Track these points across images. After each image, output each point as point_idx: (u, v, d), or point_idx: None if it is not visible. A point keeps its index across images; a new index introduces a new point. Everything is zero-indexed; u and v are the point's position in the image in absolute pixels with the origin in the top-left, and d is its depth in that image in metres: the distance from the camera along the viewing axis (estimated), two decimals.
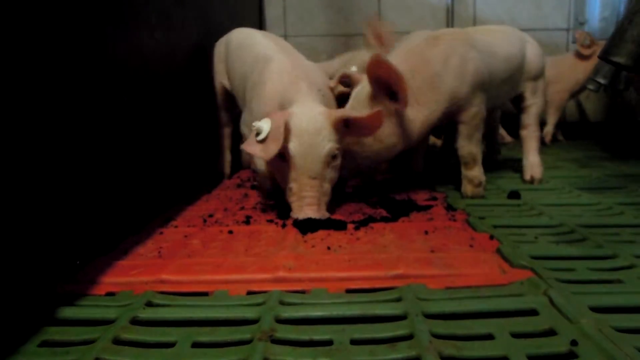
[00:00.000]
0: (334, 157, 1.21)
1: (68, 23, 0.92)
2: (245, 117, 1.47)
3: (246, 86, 1.46)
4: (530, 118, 1.64)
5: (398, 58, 1.32)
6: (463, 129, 1.40)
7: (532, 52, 1.61)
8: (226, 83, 1.72)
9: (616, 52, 1.18)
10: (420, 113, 1.32)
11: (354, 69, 1.53)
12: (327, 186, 1.21)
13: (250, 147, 1.16)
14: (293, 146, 1.16)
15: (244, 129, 1.48)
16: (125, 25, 1.15)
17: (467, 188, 1.43)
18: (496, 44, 1.49)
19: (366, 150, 1.32)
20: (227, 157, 1.84)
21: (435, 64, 1.33)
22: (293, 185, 1.19)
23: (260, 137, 1.14)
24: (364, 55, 1.73)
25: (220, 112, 1.79)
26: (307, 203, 1.17)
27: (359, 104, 1.30)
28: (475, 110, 1.39)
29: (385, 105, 1.26)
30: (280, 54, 1.40)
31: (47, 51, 0.85)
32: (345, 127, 1.23)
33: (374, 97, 1.27)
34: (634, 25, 1.15)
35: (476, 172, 1.43)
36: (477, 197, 1.42)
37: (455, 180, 1.51)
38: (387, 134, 1.30)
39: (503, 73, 1.49)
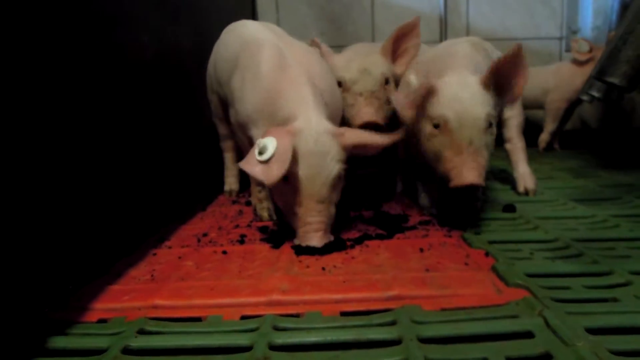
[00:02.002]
0: (339, 178, 1.13)
1: (53, 41, 0.91)
2: (234, 112, 1.32)
3: (232, 73, 1.31)
4: (511, 131, 1.64)
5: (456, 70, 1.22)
6: None
7: None
8: (216, 86, 1.52)
9: (611, 72, 1.19)
10: None
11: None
12: (333, 209, 1.14)
13: (250, 166, 1.05)
14: (300, 169, 1.07)
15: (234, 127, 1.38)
16: (115, 44, 1.15)
17: (470, 205, 1.37)
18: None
19: (490, 148, 1.20)
20: (234, 171, 1.75)
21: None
22: (298, 210, 1.10)
23: (264, 157, 1.04)
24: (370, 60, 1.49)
25: (219, 125, 1.67)
26: (314, 229, 1.09)
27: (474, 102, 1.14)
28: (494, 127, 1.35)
29: (495, 101, 1.18)
30: (275, 38, 1.26)
31: (38, 75, 0.85)
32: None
33: (487, 92, 1.16)
34: (629, 46, 1.15)
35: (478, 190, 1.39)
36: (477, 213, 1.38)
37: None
38: (494, 130, 1.20)
39: None
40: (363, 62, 1.45)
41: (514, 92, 1.15)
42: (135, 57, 1.26)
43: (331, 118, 1.19)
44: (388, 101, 1.43)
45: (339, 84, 1.46)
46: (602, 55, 1.54)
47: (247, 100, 1.22)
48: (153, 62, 1.36)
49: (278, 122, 1.15)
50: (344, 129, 1.16)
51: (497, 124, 1.59)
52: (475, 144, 1.13)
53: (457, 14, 2.95)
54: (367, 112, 1.38)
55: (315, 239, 1.09)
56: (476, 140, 1.13)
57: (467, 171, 1.11)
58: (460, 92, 1.15)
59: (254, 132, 1.21)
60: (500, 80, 1.15)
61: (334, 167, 1.10)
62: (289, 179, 1.09)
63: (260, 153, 1.05)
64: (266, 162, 1.04)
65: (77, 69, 0.98)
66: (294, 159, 1.06)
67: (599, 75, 1.22)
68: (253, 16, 2.89)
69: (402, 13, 2.96)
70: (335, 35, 2.97)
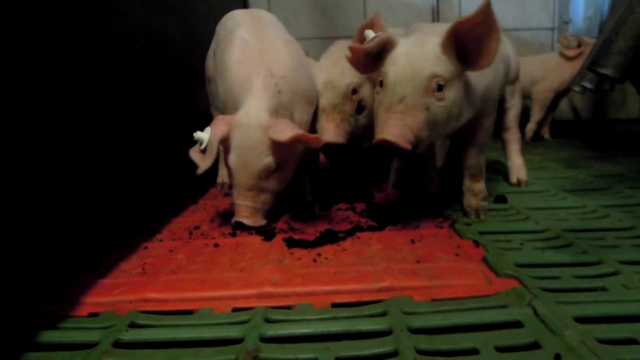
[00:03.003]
0: (275, 169, 1.18)
1: (41, 33, 0.90)
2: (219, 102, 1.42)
3: (215, 62, 1.41)
4: (511, 121, 1.63)
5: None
6: (480, 137, 1.26)
7: (512, 53, 1.53)
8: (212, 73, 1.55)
9: (603, 63, 1.19)
10: (467, 101, 1.14)
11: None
12: (264, 196, 1.21)
13: (192, 154, 1.17)
14: (231, 159, 1.17)
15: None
16: (104, 35, 1.14)
17: (471, 201, 1.30)
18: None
19: (436, 116, 1.06)
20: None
21: None
22: (234, 191, 1.21)
23: (202, 147, 1.16)
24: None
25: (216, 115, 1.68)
26: (239, 210, 1.20)
27: (421, 58, 1.05)
28: (494, 118, 1.28)
29: (454, 66, 1.06)
30: (247, 32, 1.32)
31: (25, 67, 0.84)
32: None
33: (442, 53, 1.05)
34: (621, 37, 1.15)
35: (482, 185, 1.32)
36: (481, 211, 1.29)
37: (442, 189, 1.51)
38: (452, 100, 1.06)
39: (503, 76, 1.37)
40: (329, 73, 1.40)
41: (486, 57, 1.04)
42: (124, 49, 1.25)
43: (289, 105, 1.25)
44: (359, 109, 1.39)
45: None
46: (593, 46, 1.54)
47: (221, 92, 1.33)
48: (142, 53, 1.34)
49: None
50: (277, 123, 1.15)
51: (499, 112, 1.52)
52: (407, 102, 1.02)
53: (449, 4, 2.94)
54: (326, 130, 1.35)
55: (242, 219, 1.20)
56: (409, 98, 1.02)
57: (387, 128, 1.01)
58: (410, 49, 1.07)
59: None
60: (468, 43, 1.04)
61: (260, 160, 1.16)
62: (228, 166, 1.20)
63: (201, 143, 1.16)
64: (203, 151, 1.16)
65: (65, 60, 0.97)
66: (230, 149, 1.17)
67: (592, 66, 1.22)
68: (244, 7, 2.87)
69: (394, 3, 2.95)
70: (328, 26, 2.96)
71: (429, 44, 1.06)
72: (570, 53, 2.54)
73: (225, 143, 1.17)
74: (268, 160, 1.16)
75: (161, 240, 1.19)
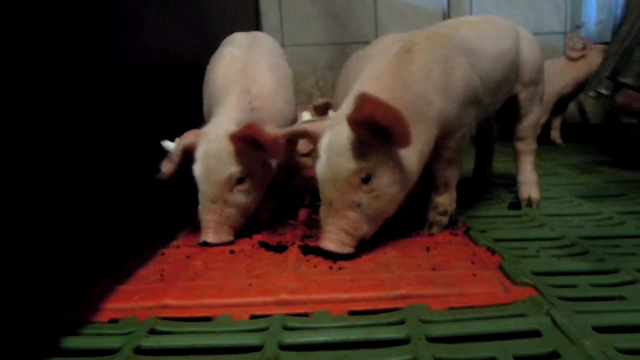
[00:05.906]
0: (239, 181, 1.17)
1: (60, 40, 0.92)
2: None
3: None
4: (526, 130, 1.43)
5: (366, 87, 1.03)
6: (446, 153, 1.18)
7: (528, 48, 1.38)
8: None
9: (624, 73, 1.20)
10: (414, 148, 1.03)
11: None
12: (229, 211, 1.18)
13: (163, 163, 1.18)
14: (196, 169, 1.17)
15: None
16: (121, 45, 1.16)
17: (430, 214, 1.24)
18: (485, 39, 1.26)
19: (371, 208, 1.03)
20: None
21: (415, 85, 1.07)
22: (199, 207, 1.19)
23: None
24: None
25: None
26: (204, 227, 1.17)
27: (337, 154, 1.01)
28: (465, 131, 1.17)
29: (376, 148, 1.00)
30: (238, 50, 1.37)
31: (46, 78, 0.85)
32: (254, 149, 1.15)
33: (358, 142, 0.99)
34: None
35: (444, 199, 1.22)
36: (435, 225, 1.23)
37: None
38: (386, 184, 1.02)
39: (496, 75, 1.26)
40: None
41: (401, 141, 0.98)
42: (141, 57, 1.26)
43: (262, 123, 1.22)
44: None
45: None
46: (607, 51, 1.54)
47: (205, 103, 1.38)
48: (158, 61, 1.36)
49: None
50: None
51: (510, 119, 1.48)
52: (335, 206, 1.04)
53: (460, 10, 2.95)
54: None
55: (207, 236, 1.16)
56: (336, 202, 1.04)
57: (326, 236, 1.05)
58: (328, 140, 1.05)
59: None
60: (379, 125, 0.96)
61: (225, 169, 1.15)
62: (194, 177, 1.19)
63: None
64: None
65: (87, 70, 0.98)
66: (195, 160, 1.17)
67: (612, 75, 1.23)
68: (256, 15, 2.89)
69: (404, 9, 2.96)
70: (339, 32, 2.97)
71: (345, 133, 0.99)
72: (573, 54, 2.55)
73: (190, 153, 1.17)
74: (233, 169, 1.15)
75: (178, 247, 1.20)
